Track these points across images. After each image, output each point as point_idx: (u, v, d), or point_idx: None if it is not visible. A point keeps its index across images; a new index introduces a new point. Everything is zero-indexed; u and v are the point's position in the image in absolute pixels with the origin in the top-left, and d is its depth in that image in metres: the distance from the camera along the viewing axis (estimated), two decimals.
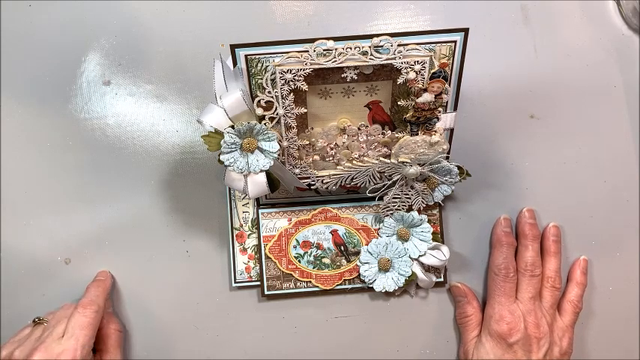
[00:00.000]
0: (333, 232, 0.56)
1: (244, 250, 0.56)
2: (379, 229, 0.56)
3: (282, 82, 0.45)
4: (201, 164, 0.57)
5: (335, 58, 0.44)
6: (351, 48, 0.43)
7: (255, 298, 0.57)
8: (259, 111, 0.46)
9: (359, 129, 0.50)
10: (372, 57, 0.44)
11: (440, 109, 0.47)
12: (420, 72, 0.45)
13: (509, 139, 0.58)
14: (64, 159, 0.57)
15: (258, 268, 0.56)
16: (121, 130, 0.57)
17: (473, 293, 0.57)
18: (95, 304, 0.51)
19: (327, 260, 0.56)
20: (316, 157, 0.51)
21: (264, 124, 0.47)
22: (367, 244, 0.55)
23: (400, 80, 0.45)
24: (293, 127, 0.48)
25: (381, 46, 0.43)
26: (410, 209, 0.54)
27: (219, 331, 0.57)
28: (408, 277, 0.54)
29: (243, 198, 0.56)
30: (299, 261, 0.56)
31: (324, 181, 0.52)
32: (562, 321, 0.55)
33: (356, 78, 0.45)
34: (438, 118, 0.48)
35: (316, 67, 0.44)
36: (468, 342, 0.55)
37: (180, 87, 0.57)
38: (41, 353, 0.47)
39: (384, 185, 0.52)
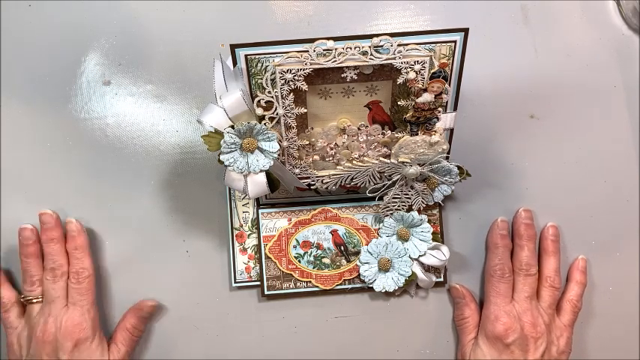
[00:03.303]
0: (333, 232, 0.56)
1: (244, 250, 0.56)
2: (379, 229, 0.56)
3: (282, 82, 0.45)
4: (201, 164, 0.57)
5: (335, 58, 0.44)
6: (351, 48, 0.43)
7: (255, 298, 0.57)
8: (259, 111, 0.46)
9: (359, 129, 0.50)
10: (372, 57, 0.44)
11: (440, 109, 0.47)
12: (420, 72, 0.45)
13: (509, 139, 0.58)
14: (64, 159, 0.57)
15: (258, 268, 0.56)
16: (121, 130, 0.57)
17: (471, 295, 0.57)
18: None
19: (327, 260, 0.56)
20: (316, 157, 0.51)
21: (264, 124, 0.47)
22: (367, 244, 0.55)
23: (400, 80, 0.45)
24: (293, 127, 0.48)
25: (381, 46, 0.43)
26: (410, 209, 0.54)
27: (219, 331, 0.57)
28: (408, 277, 0.54)
29: (243, 198, 0.56)
30: (299, 261, 0.56)
31: (324, 181, 0.52)
32: (560, 320, 0.55)
33: (356, 78, 0.45)
34: (438, 118, 0.48)
35: (316, 67, 0.44)
36: (465, 344, 0.55)
37: (180, 87, 0.57)
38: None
39: (384, 185, 0.52)
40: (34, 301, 0.53)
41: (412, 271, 0.55)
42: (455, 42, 0.44)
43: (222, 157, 0.45)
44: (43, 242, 0.54)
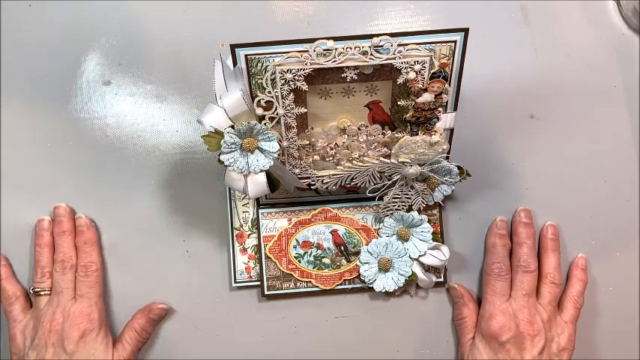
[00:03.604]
0: (333, 232, 0.56)
1: (244, 250, 0.56)
2: (379, 229, 0.56)
3: (282, 82, 0.45)
4: (201, 164, 0.57)
5: (335, 58, 0.44)
6: (351, 48, 0.43)
7: (255, 298, 0.57)
8: (259, 111, 0.46)
9: (359, 129, 0.50)
10: (372, 57, 0.44)
11: (440, 109, 0.47)
12: (420, 72, 0.45)
13: (509, 139, 0.58)
14: (64, 159, 0.57)
15: (258, 268, 0.56)
16: (121, 130, 0.57)
17: (470, 295, 0.57)
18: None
19: (327, 260, 0.56)
20: (316, 157, 0.51)
21: (264, 124, 0.47)
22: (367, 244, 0.55)
23: (400, 80, 0.45)
24: (293, 127, 0.48)
25: (381, 46, 0.43)
26: (410, 209, 0.54)
27: (219, 331, 0.57)
28: (408, 277, 0.54)
29: (243, 198, 0.56)
30: (299, 261, 0.56)
31: (324, 181, 0.52)
32: (562, 317, 0.54)
33: (356, 78, 0.45)
34: (438, 118, 0.48)
35: (316, 67, 0.44)
36: (464, 344, 0.55)
37: (180, 87, 0.57)
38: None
39: (384, 185, 0.52)
40: (42, 293, 0.53)
41: (412, 271, 0.55)
42: (455, 42, 0.44)
43: (222, 157, 0.45)
44: (55, 235, 0.55)
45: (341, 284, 0.56)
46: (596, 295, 0.58)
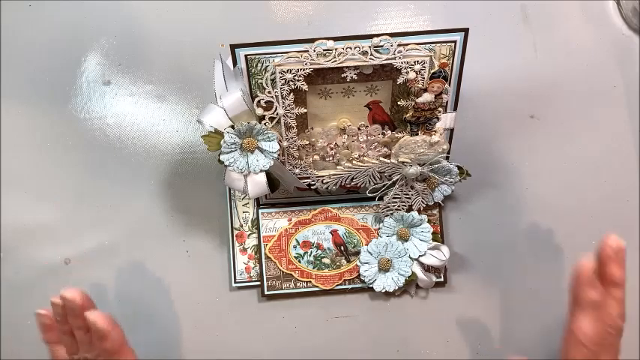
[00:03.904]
0: (333, 232, 0.56)
1: (244, 250, 0.56)
2: (379, 229, 0.56)
3: (282, 82, 0.45)
4: (201, 164, 0.57)
5: (335, 58, 0.44)
6: (351, 48, 0.43)
7: (255, 298, 0.57)
8: (259, 111, 0.46)
9: (359, 129, 0.50)
10: (372, 57, 0.44)
11: (440, 109, 0.47)
12: (420, 72, 0.45)
13: (509, 139, 0.58)
14: (64, 159, 0.57)
15: (258, 268, 0.56)
16: (121, 130, 0.57)
17: None
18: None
19: (327, 260, 0.56)
20: (316, 157, 0.51)
21: (264, 124, 0.47)
22: (367, 244, 0.55)
23: (400, 80, 0.45)
24: (293, 127, 0.48)
25: (381, 46, 0.43)
26: (410, 209, 0.54)
27: (219, 331, 0.57)
28: (408, 277, 0.54)
29: (243, 198, 0.56)
30: (299, 261, 0.56)
31: (324, 181, 0.52)
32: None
33: (356, 78, 0.45)
34: (438, 118, 0.48)
35: (316, 67, 0.44)
36: None
37: (180, 87, 0.57)
38: None
39: (384, 185, 0.52)
40: None
41: (412, 271, 0.55)
42: (455, 42, 0.44)
43: (222, 157, 0.45)
44: (72, 325, 0.44)
45: (341, 284, 0.56)
46: None
